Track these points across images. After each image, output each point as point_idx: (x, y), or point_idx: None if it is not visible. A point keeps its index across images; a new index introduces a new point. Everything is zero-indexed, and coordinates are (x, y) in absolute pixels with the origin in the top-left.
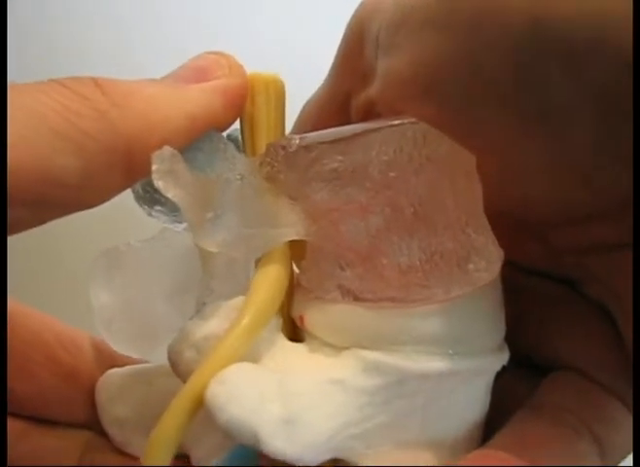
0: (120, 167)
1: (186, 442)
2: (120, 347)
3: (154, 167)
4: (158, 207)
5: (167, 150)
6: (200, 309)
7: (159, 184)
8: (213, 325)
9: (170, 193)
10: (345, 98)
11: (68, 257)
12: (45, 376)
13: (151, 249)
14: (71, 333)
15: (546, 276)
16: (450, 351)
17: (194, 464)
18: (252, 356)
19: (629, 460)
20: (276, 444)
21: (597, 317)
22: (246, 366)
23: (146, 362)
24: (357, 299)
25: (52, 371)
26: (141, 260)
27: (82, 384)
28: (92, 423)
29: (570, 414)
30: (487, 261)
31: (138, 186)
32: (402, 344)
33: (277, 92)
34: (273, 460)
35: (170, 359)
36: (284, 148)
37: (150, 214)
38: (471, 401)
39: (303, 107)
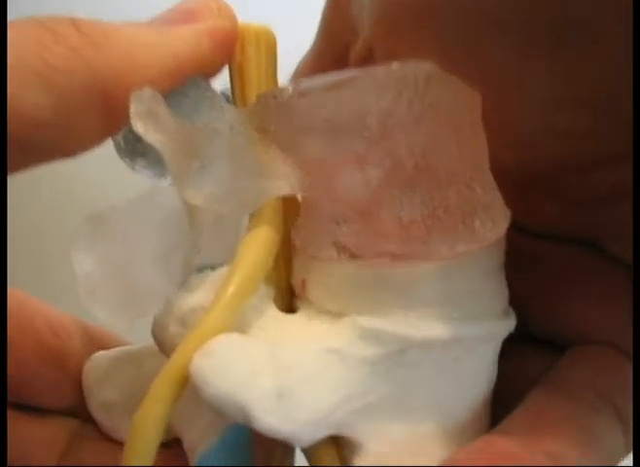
0: (97, 109)
1: (177, 425)
2: (104, 317)
3: (132, 108)
4: (140, 160)
5: (147, 90)
6: (186, 280)
7: (137, 127)
8: (199, 296)
9: (150, 136)
10: (342, 49)
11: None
12: (33, 362)
13: (137, 211)
14: (62, 318)
15: (561, 239)
16: (455, 315)
17: (186, 449)
18: (241, 327)
19: (629, 460)
20: (269, 420)
21: (622, 278)
22: (234, 336)
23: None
24: (354, 256)
25: (40, 357)
26: (126, 224)
27: (70, 370)
28: (80, 410)
29: (589, 390)
30: (493, 219)
31: (120, 137)
32: (402, 309)
33: (268, 44)
34: (268, 442)
35: (155, 334)
36: (275, 97)
37: (133, 168)
38: (478, 370)
39: (299, 64)
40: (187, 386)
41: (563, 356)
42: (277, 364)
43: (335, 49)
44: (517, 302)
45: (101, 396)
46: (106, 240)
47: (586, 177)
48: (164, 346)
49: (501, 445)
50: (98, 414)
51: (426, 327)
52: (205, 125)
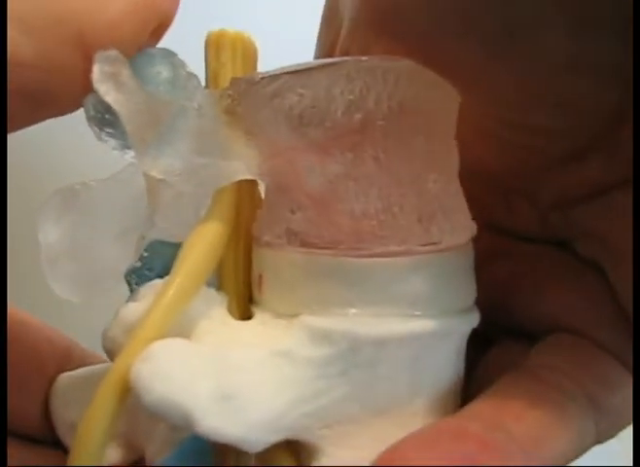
0: (73, 46)
1: (140, 441)
2: (61, 289)
3: (95, 68)
4: (108, 129)
5: (113, 52)
6: (139, 284)
7: (99, 87)
8: (146, 306)
9: (110, 97)
10: (331, 51)
11: None
12: (35, 390)
13: (106, 189)
14: (65, 343)
15: (535, 240)
16: (409, 312)
17: (147, 464)
18: (188, 334)
19: (629, 460)
20: (211, 423)
21: (591, 275)
22: (175, 341)
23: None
24: (304, 244)
25: (41, 386)
26: (95, 199)
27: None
28: None
29: (562, 374)
30: (453, 226)
31: (90, 105)
32: (356, 307)
33: (245, 51)
34: (225, 453)
35: (105, 346)
36: (246, 81)
37: (100, 138)
38: (440, 368)
39: None
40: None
41: (536, 344)
42: (221, 366)
43: (326, 52)
44: (495, 295)
45: (68, 417)
46: (73, 214)
47: (555, 175)
48: (114, 356)
49: (454, 424)
50: (65, 437)
51: (380, 324)
52: (173, 100)
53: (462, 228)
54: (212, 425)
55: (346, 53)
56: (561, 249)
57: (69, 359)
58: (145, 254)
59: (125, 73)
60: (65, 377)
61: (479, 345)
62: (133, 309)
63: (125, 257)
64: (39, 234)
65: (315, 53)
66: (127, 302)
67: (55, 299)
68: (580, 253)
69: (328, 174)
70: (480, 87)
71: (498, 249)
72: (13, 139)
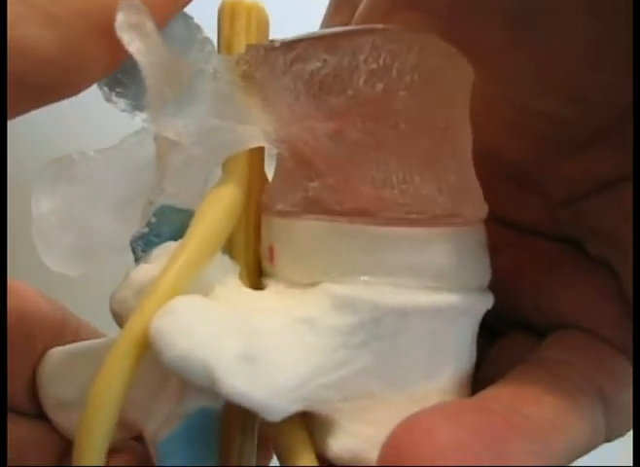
0: (99, 38)
1: (135, 418)
2: (54, 263)
3: (118, 18)
4: (119, 89)
5: (136, 1)
6: (145, 252)
7: (123, 35)
8: (159, 267)
9: (135, 46)
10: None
11: None
12: (20, 364)
13: (105, 160)
14: (59, 315)
15: (545, 236)
16: (432, 284)
17: (147, 442)
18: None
19: (629, 460)
20: (236, 383)
21: (600, 273)
22: (196, 297)
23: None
24: (324, 211)
25: (27, 359)
26: (93, 170)
27: None
28: None
29: (573, 369)
30: (472, 200)
31: None
32: (377, 276)
33: (260, 21)
34: (231, 431)
35: (113, 310)
36: (265, 47)
37: (109, 99)
38: (456, 344)
39: None
40: (145, 355)
41: (546, 339)
42: (245, 327)
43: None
44: (504, 288)
45: (56, 394)
46: (69, 183)
47: (565, 167)
48: (123, 320)
49: (475, 402)
50: (54, 414)
51: (402, 295)
52: (191, 62)
53: (479, 203)
54: (236, 386)
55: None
56: (571, 247)
57: (61, 332)
58: (153, 219)
59: (149, 24)
60: (55, 353)
61: (485, 337)
62: (146, 271)
63: (125, 228)
64: (32, 205)
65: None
66: (137, 263)
67: (53, 272)
68: (590, 252)
69: (348, 142)
70: (497, 68)
71: (506, 242)
72: None
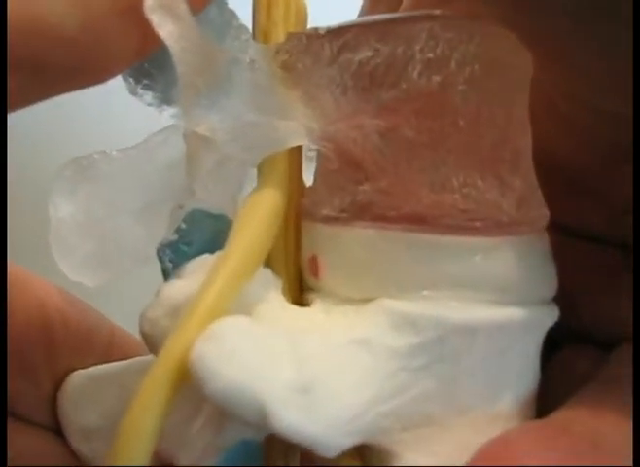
0: (125, 17)
1: (168, 446)
2: (72, 271)
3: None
4: (146, 81)
5: None
6: (174, 261)
7: (152, 17)
8: (195, 283)
9: (166, 30)
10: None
11: None
12: (41, 381)
13: (128, 160)
14: (87, 324)
15: (605, 242)
16: (499, 299)
17: None
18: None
19: (629, 460)
20: (291, 418)
21: None
22: (242, 319)
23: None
24: (376, 218)
25: (50, 376)
26: (115, 171)
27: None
28: None
29: None
30: (536, 205)
31: None
32: (439, 290)
33: (298, 10)
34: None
35: (143, 330)
36: (308, 36)
37: (134, 92)
38: (522, 363)
39: None
40: (184, 384)
41: (614, 352)
42: (296, 352)
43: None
44: (563, 298)
45: (78, 421)
46: (89, 185)
47: (629, 176)
48: (156, 346)
49: (558, 423)
50: (76, 442)
51: (469, 310)
52: (227, 49)
53: (543, 209)
54: (292, 421)
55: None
56: (630, 254)
57: (90, 343)
58: (183, 225)
59: (183, 7)
60: (78, 376)
61: (543, 349)
62: (179, 288)
63: (149, 235)
64: (49, 208)
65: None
66: (169, 279)
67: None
68: None
69: (401, 141)
70: (562, 63)
71: (563, 249)
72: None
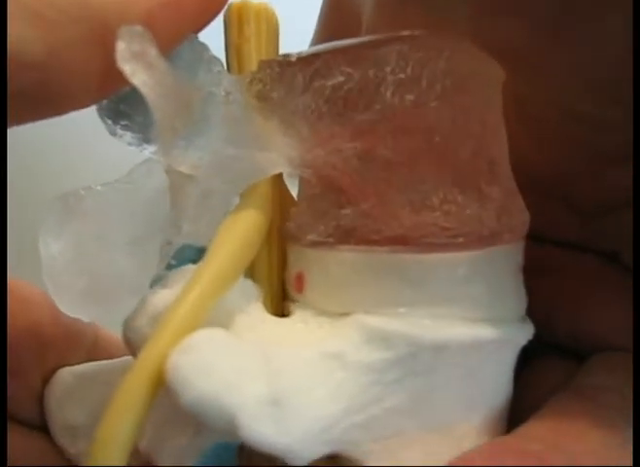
0: (93, 43)
1: (147, 447)
2: (68, 307)
3: (119, 46)
4: (124, 122)
5: (138, 28)
6: (161, 276)
7: (124, 67)
8: (177, 293)
9: (139, 79)
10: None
11: None
12: (29, 379)
13: (114, 193)
14: (76, 325)
15: (578, 248)
16: (473, 316)
17: None
18: (222, 327)
19: (629, 460)
20: (261, 429)
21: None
22: (218, 332)
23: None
24: (360, 241)
25: (38, 374)
26: (102, 205)
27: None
28: None
29: (618, 396)
30: (515, 214)
31: None
32: (415, 307)
33: (269, 24)
34: (252, 460)
35: (126, 337)
36: (280, 63)
37: (114, 133)
38: (495, 380)
39: None
40: (159, 392)
41: (585, 363)
42: (270, 365)
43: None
44: (538, 310)
45: (64, 418)
46: (77, 221)
47: (601, 179)
48: (136, 349)
49: (515, 443)
50: (62, 439)
51: (442, 328)
52: (200, 86)
53: (523, 214)
54: (262, 432)
55: (373, 32)
56: (607, 260)
57: (77, 342)
58: (173, 262)
59: (153, 53)
60: (64, 373)
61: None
62: (163, 297)
63: (140, 267)
64: (40, 246)
65: (315, 40)
66: (153, 288)
67: None
68: (627, 264)
69: (379, 162)
70: (532, 68)
71: (539, 260)
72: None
